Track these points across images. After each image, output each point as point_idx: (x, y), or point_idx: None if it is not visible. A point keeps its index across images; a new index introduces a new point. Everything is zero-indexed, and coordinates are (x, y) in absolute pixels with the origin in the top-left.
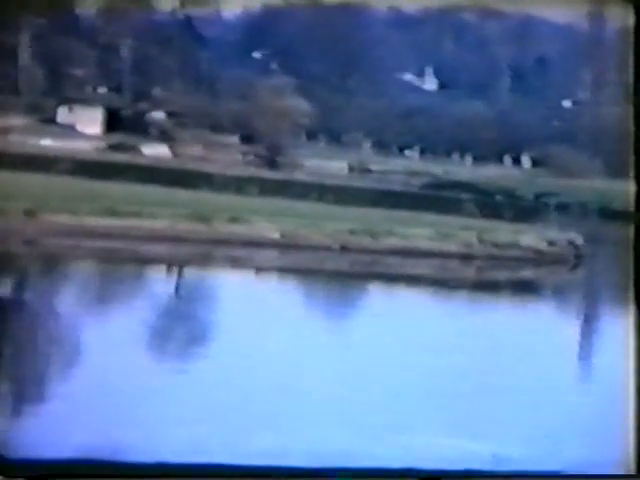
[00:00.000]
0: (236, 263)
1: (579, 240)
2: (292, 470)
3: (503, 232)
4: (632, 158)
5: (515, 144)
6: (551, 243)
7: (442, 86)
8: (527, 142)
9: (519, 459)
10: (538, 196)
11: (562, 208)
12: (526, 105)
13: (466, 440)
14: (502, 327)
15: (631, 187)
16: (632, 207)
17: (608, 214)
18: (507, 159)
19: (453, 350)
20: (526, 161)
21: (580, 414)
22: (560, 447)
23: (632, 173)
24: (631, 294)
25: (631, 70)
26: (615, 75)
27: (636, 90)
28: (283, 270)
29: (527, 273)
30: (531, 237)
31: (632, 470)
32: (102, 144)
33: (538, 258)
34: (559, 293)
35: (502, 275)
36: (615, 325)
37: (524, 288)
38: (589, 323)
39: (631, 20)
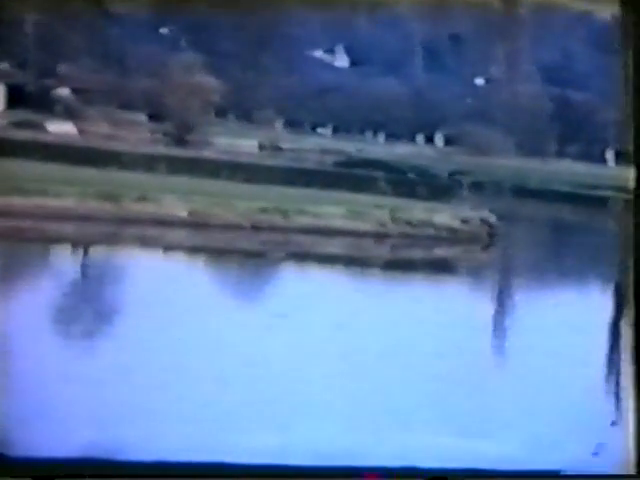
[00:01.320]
0: (145, 242)
1: (493, 219)
2: (292, 470)
3: (417, 210)
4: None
5: (429, 122)
6: (465, 221)
7: (354, 63)
8: (441, 120)
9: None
10: (452, 174)
11: (476, 186)
12: (440, 83)
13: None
14: (416, 306)
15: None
16: (548, 186)
17: (522, 193)
18: (420, 137)
19: (367, 329)
20: (439, 139)
21: (496, 394)
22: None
23: (632, 174)
24: (555, 276)
25: (631, 70)
26: (529, 53)
27: (636, 89)
28: (192, 249)
29: (441, 251)
30: (445, 215)
31: (632, 470)
32: (3, 121)
33: (452, 236)
34: (473, 272)
35: (416, 254)
36: (529, 304)
37: (438, 267)
38: (503, 302)
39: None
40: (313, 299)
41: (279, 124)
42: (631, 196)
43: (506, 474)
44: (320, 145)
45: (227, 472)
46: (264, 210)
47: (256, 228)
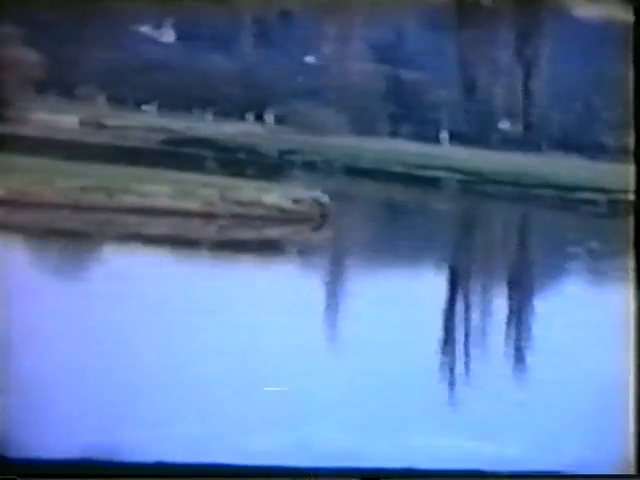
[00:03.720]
0: None
1: (325, 198)
2: (292, 470)
3: (246, 190)
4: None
5: (258, 100)
6: (296, 201)
7: (181, 39)
8: (271, 98)
9: None
10: (282, 153)
11: (307, 166)
12: (270, 60)
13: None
14: (246, 287)
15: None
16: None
17: (355, 172)
18: (250, 115)
19: (195, 312)
20: (269, 118)
21: (328, 377)
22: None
23: (633, 177)
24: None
25: (631, 71)
26: (361, 31)
27: (636, 89)
28: (9, 228)
29: (271, 232)
30: (275, 195)
31: (632, 470)
32: None
33: (283, 217)
34: (304, 252)
35: (245, 234)
36: (362, 285)
37: (268, 247)
38: (335, 283)
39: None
40: (138, 281)
41: (102, 100)
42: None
43: (501, 474)
44: (145, 122)
45: (227, 473)
46: (86, 189)
47: (78, 207)
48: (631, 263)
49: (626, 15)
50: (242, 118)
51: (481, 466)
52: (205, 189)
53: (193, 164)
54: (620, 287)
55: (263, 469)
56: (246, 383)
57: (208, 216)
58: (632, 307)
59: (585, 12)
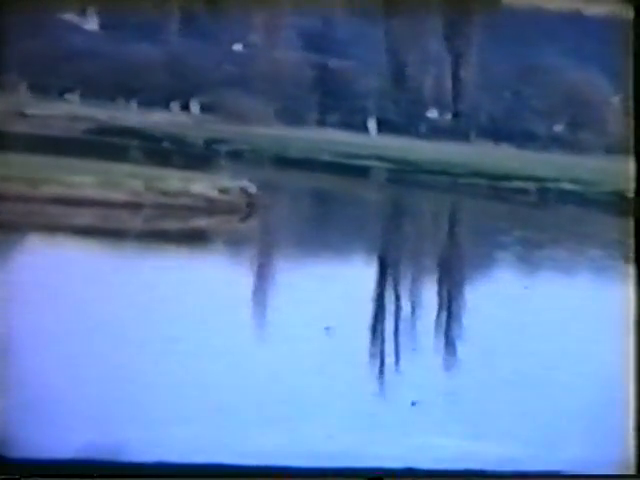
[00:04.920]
0: None
1: (252, 188)
2: (293, 470)
3: (172, 180)
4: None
5: (184, 89)
6: (223, 191)
7: (106, 27)
8: (197, 87)
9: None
10: (209, 143)
11: (234, 155)
12: (196, 49)
13: None
14: (173, 278)
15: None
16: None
17: (283, 162)
18: (175, 104)
19: (121, 302)
20: (195, 107)
21: (257, 367)
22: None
23: (633, 176)
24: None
25: (631, 71)
26: (289, 19)
27: (636, 89)
28: None
29: (198, 222)
30: (202, 185)
31: (632, 470)
32: None
33: (209, 207)
34: (232, 243)
35: (172, 224)
36: (291, 275)
37: (195, 237)
38: (264, 273)
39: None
40: (63, 272)
41: (23, 89)
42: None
43: (502, 474)
44: (68, 111)
45: (228, 473)
46: (7, 178)
47: (0, 197)
48: (631, 266)
49: (553, 3)
50: (168, 107)
51: (482, 466)
52: (130, 179)
53: (118, 154)
54: (551, 275)
55: (263, 469)
56: (172, 374)
57: (134, 206)
58: (564, 293)
59: (514, 0)
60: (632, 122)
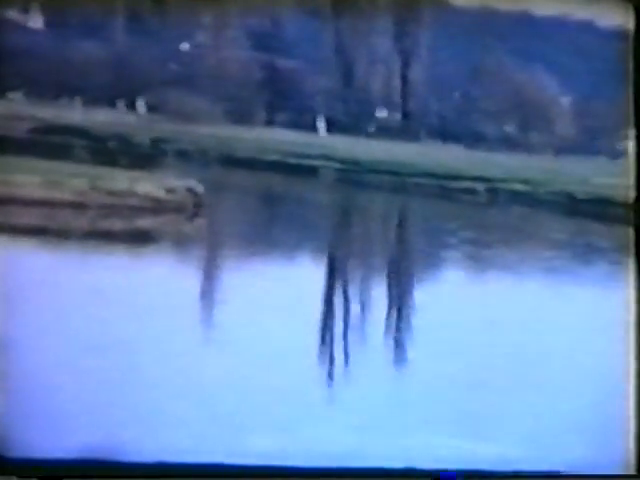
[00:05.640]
0: None
1: (200, 188)
2: (293, 470)
3: (118, 180)
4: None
5: (130, 88)
6: (170, 191)
7: (50, 24)
8: (143, 86)
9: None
10: (155, 142)
11: (181, 155)
12: (142, 47)
13: None
14: (118, 278)
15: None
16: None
17: (230, 162)
18: (121, 103)
19: (64, 303)
20: (141, 106)
21: (205, 368)
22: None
23: (633, 174)
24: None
25: (631, 72)
26: (237, 18)
27: (636, 90)
28: None
29: (144, 222)
30: (148, 185)
31: (632, 470)
32: None
33: (156, 206)
34: (179, 243)
35: (117, 224)
36: (238, 276)
37: (141, 238)
38: (211, 274)
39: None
40: (6, 273)
41: None
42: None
43: (502, 474)
44: (11, 110)
45: (228, 473)
46: None
47: None
48: (631, 266)
49: (505, 4)
50: (113, 106)
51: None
52: (75, 179)
53: (62, 153)
54: (501, 275)
55: (263, 469)
56: (117, 375)
57: (78, 206)
58: (513, 293)
59: (463, 1)
60: (633, 121)
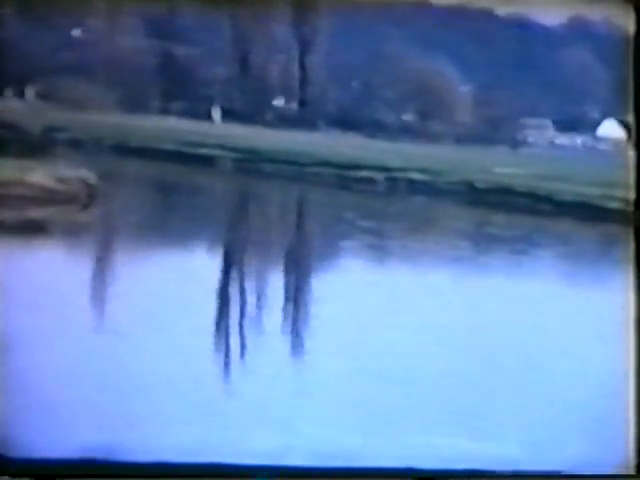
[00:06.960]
0: None
1: (92, 178)
2: (293, 470)
3: (8, 169)
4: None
5: (19, 75)
6: (61, 181)
7: None
8: (32, 73)
9: None
10: (46, 131)
11: (73, 144)
12: (32, 34)
13: None
14: (9, 269)
15: (631, 189)
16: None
17: (124, 151)
18: (9, 91)
19: None
20: (31, 93)
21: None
22: None
23: (634, 175)
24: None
25: (631, 72)
26: (131, 4)
27: (636, 91)
28: None
29: (35, 212)
30: (39, 174)
31: (632, 470)
32: None
33: (47, 197)
34: (70, 233)
35: (7, 215)
36: (132, 267)
37: (32, 228)
38: (103, 265)
39: (631, 20)
40: None
41: None
42: None
43: (502, 474)
44: None
45: (228, 473)
46: None
47: None
48: (631, 268)
49: None
50: (1, 94)
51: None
52: None
53: None
54: (400, 265)
55: (263, 469)
56: (5, 366)
57: None
58: (413, 283)
59: None
60: (634, 122)
